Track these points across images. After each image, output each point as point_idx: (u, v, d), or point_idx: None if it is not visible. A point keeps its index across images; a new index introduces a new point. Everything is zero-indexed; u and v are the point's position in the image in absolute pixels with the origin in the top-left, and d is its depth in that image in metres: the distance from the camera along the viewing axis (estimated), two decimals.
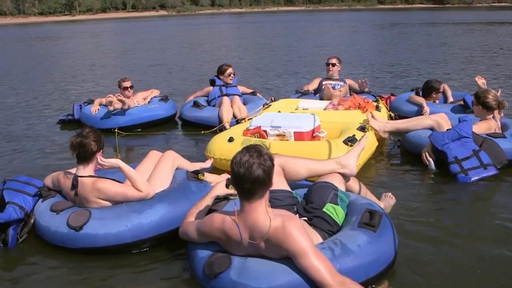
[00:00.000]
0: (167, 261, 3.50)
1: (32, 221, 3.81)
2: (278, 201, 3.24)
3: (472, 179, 4.62)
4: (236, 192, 3.34)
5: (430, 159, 4.96)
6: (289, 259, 2.71)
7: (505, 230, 3.74)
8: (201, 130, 6.84)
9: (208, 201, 3.33)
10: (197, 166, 4.59)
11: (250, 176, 2.62)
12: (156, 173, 4.06)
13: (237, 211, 2.80)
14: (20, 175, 4.27)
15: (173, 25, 51.88)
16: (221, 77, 7.71)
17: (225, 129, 6.62)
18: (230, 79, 7.67)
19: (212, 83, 7.77)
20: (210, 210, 3.31)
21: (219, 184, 3.43)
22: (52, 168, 4.87)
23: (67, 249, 3.58)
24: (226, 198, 3.45)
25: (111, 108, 6.98)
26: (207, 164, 4.94)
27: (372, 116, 5.66)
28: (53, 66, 16.75)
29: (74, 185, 3.71)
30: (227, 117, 6.85)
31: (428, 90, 6.92)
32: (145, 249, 3.60)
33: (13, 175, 4.39)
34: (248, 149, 2.71)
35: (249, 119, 6.00)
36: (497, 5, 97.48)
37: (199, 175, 4.13)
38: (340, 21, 45.47)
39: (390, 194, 4.16)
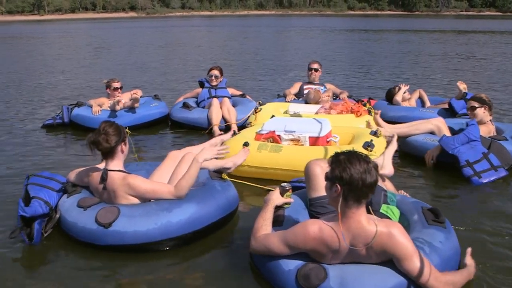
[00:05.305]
0: (194, 260, 3.54)
1: (57, 216, 3.77)
2: (323, 208, 3.31)
3: (485, 181, 4.76)
4: (289, 201, 3.44)
5: (431, 162, 5.16)
6: (387, 262, 2.75)
7: None
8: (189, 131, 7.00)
9: (271, 211, 3.26)
10: (219, 164, 4.65)
11: (371, 180, 2.64)
12: (179, 174, 3.98)
13: (340, 219, 2.74)
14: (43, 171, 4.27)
15: (145, 26, 51.46)
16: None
17: (213, 131, 6.72)
18: (213, 81, 7.63)
19: (201, 84, 7.72)
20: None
21: (274, 194, 3.39)
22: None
23: (93, 245, 3.56)
24: (281, 206, 3.43)
25: (118, 107, 6.96)
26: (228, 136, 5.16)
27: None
28: (27, 69, 16.01)
29: (104, 179, 3.70)
30: (216, 119, 6.86)
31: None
32: (171, 248, 3.60)
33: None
34: (355, 155, 2.70)
35: (248, 124, 5.98)
36: (464, 14, 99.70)
37: (222, 174, 4.16)
38: (310, 26, 45.73)
39: (403, 191, 4.20)
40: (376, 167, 2.68)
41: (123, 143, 3.78)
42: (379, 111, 6.15)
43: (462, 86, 6.75)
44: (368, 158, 2.69)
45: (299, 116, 6.21)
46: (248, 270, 3.30)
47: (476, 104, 5.49)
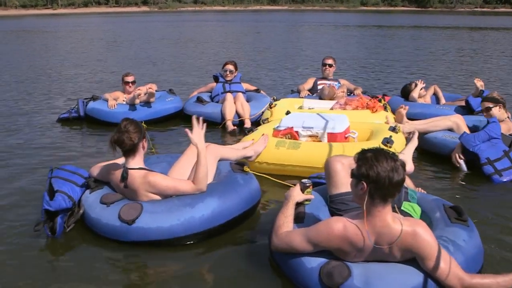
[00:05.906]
0: (215, 255, 3.53)
1: (81, 212, 3.78)
2: (344, 205, 3.26)
3: (505, 180, 4.72)
4: (310, 197, 3.38)
5: (461, 161, 5.03)
6: (411, 261, 2.72)
7: None
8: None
9: (292, 208, 3.22)
10: (240, 154, 4.64)
11: (398, 179, 2.59)
12: None
13: (365, 217, 2.69)
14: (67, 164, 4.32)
15: (157, 21, 51.35)
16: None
17: (227, 126, 6.74)
18: (228, 75, 7.64)
19: (216, 79, 7.72)
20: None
21: (295, 190, 3.34)
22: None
23: (115, 240, 3.58)
24: (301, 203, 3.39)
25: (137, 101, 6.96)
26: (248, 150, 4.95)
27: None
28: (41, 62, 15.99)
29: (124, 177, 3.70)
30: (229, 114, 6.85)
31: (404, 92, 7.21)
32: (193, 242, 3.61)
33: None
34: (382, 153, 2.65)
35: (264, 120, 5.94)
36: (479, 10, 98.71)
37: (245, 167, 4.14)
38: (323, 22, 45.51)
39: (420, 189, 4.18)
40: (403, 165, 2.63)
41: (143, 139, 3.79)
42: (407, 107, 6.06)
43: (479, 84, 6.70)
44: (396, 156, 2.64)
45: (314, 112, 6.16)
46: (268, 267, 3.29)
47: (490, 105, 5.42)
